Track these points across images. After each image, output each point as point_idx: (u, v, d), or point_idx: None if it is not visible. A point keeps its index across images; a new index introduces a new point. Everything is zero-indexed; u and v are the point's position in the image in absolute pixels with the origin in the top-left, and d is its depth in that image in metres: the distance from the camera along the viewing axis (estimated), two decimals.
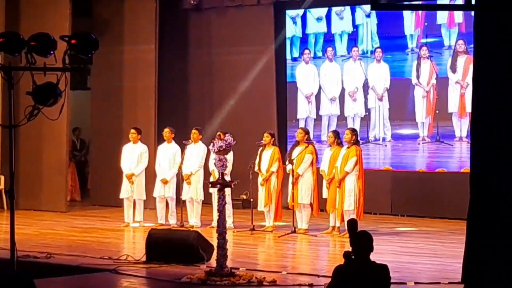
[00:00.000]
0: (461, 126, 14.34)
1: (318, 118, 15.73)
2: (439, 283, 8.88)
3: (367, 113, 15.25)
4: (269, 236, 12.41)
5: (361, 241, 6.20)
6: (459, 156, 14.48)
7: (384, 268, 6.18)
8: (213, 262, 9.45)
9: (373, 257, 6.09)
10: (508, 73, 5.54)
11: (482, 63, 5.72)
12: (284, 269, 9.69)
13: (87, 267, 9.78)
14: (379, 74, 15.08)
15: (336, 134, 12.57)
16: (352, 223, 6.65)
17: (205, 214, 13.41)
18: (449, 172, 14.35)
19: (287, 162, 12.68)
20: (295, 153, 12.58)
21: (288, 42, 15.97)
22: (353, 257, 6.16)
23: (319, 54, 15.73)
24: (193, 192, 13.12)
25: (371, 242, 6.20)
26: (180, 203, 13.27)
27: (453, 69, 14.38)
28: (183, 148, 13.20)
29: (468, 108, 13.96)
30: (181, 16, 16.57)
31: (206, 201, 13.39)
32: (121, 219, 13.65)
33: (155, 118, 15.66)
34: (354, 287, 6.05)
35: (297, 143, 12.74)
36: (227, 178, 11.31)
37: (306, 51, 15.75)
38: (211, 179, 12.14)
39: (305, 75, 15.83)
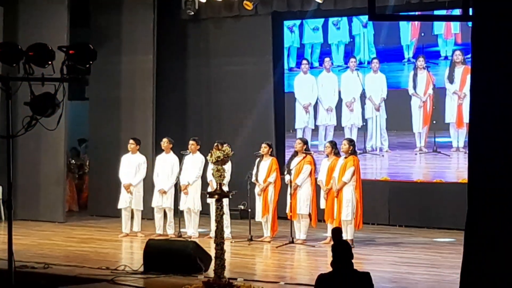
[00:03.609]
0: (458, 137, 14.36)
1: (316, 128, 15.76)
2: None
3: (364, 124, 15.27)
4: (267, 246, 12.40)
5: (342, 250, 6.22)
6: (456, 166, 14.50)
7: (366, 276, 6.20)
8: (210, 272, 9.44)
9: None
10: (506, 84, 5.55)
11: (480, 74, 5.73)
12: (282, 279, 9.68)
13: (85, 277, 9.78)
14: (376, 84, 15.11)
15: (333, 144, 12.58)
16: (337, 232, 6.70)
17: (203, 224, 13.41)
18: (447, 182, 14.35)
19: (285, 173, 12.69)
20: (294, 163, 12.59)
21: (285, 52, 16.01)
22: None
23: (316, 64, 15.76)
24: (190, 202, 13.12)
25: (350, 250, 6.24)
26: (178, 213, 13.28)
27: (451, 79, 14.41)
28: (181, 158, 13.21)
29: (466, 119, 13.99)
30: (179, 26, 16.59)
31: (204, 212, 13.38)
32: (119, 229, 13.65)
33: (153, 129, 15.66)
34: None
35: (295, 154, 12.74)
36: (225, 188, 11.32)
37: (304, 61, 15.78)
38: (209, 190, 12.15)
39: (303, 85, 15.86)
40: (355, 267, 6.28)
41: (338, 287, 6.10)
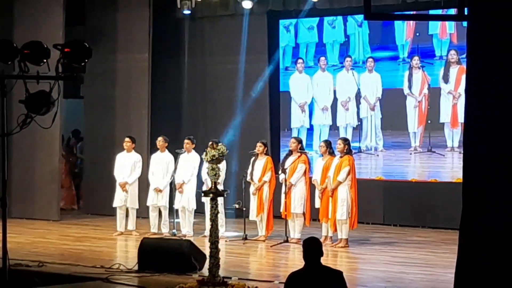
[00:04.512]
0: (453, 137, 14.38)
1: (311, 128, 15.76)
2: None
3: (359, 123, 15.28)
4: (262, 245, 12.41)
5: (311, 247, 6.21)
6: (451, 166, 14.52)
7: (338, 274, 6.20)
8: (205, 271, 9.45)
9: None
10: (501, 84, 5.56)
11: (475, 74, 5.73)
12: (276, 278, 9.68)
13: (79, 275, 9.77)
14: (371, 84, 15.12)
15: (328, 143, 12.59)
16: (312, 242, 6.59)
17: (198, 223, 13.41)
18: (441, 182, 14.37)
19: (280, 172, 12.70)
20: (288, 162, 12.59)
21: (281, 51, 16.01)
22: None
23: (311, 63, 15.77)
24: (185, 201, 13.12)
25: (320, 247, 6.22)
26: (173, 212, 13.27)
27: (446, 79, 14.43)
28: (176, 157, 13.20)
29: (460, 119, 14.01)
30: (175, 24, 16.57)
31: (199, 210, 13.38)
32: (114, 228, 13.64)
33: (148, 127, 15.64)
34: None
35: (290, 153, 12.75)
36: (220, 187, 11.32)
37: (300, 61, 15.79)
38: (204, 188, 12.15)
39: (298, 85, 15.87)
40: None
41: (310, 285, 6.09)
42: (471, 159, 5.76)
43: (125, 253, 12.21)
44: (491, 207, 5.59)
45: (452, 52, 14.33)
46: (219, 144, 9.74)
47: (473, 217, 5.68)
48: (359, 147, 15.17)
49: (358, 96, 15.26)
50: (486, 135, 5.62)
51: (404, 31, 14.82)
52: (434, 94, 14.58)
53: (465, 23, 5.94)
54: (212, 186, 9.40)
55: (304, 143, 13.46)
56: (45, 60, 7.20)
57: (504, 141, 5.54)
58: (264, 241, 12.60)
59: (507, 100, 5.52)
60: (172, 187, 13.26)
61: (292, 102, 15.94)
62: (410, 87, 14.77)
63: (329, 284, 6.08)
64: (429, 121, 14.64)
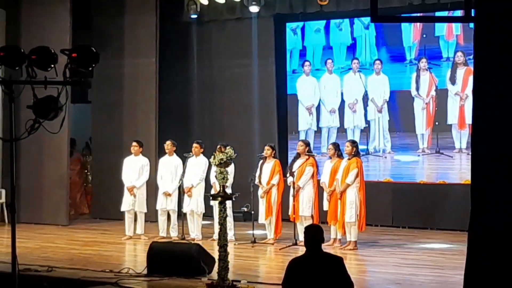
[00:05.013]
0: (461, 138, 14.36)
1: (319, 130, 15.76)
2: None
3: (366, 125, 15.27)
4: (270, 248, 12.41)
5: (313, 234, 6.28)
6: (459, 167, 14.49)
7: (339, 259, 6.27)
8: (214, 274, 9.45)
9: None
10: (509, 84, 5.55)
11: (483, 74, 5.73)
12: None
13: (88, 280, 9.78)
14: (379, 86, 15.11)
15: (336, 146, 12.59)
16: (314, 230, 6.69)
17: (206, 226, 13.41)
18: (450, 184, 14.35)
19: (288, 175, 12.69)
20: (296, 165, 12.59)
21: (288, 54, 16.02)
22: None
23: (318, 66, 15.77)
24: (194, 205, 13.12)
25: (321, 234, 6.30)
26: (182, 216, 13.28)
27: (453, 80, 14.42)
28: (184, 160, 13.21)
29: (468, 120, 14.00)
30: (182, 29, 16.60)
31: (207, 214, 13.39)
32: (122, 232, 13.65)
33: (155, 131, 15.67)
34: (309, 279, 6.12)
35: (298, 156, 12.75)
36: (228, 190, 11.32)
37: (307, 63, 15.80)
38: (212, 192, 12.15)
39: (306, 87, 15.87)
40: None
41: (311, 270, 6.14)
42: (479, 159, 5.75)
43: (134, 257, 12.21)
44: (500, 207, 5.57)
45: (459, 53, 14.32)
46: (227, 147, 9.74)
47: (482, 218, 5.67)
48: (367, 149, 15.16)
49: (365, 98, 15.26)
50: (494, 135, 5.61)
51: (411, 33, 14.81)
52: (441, 96, 14.57)
53: (471, 25, 5.93)
54: (220, 189, 9.40)
55: (311, 145, 13.44)
56: (52, 65, 7.21)
57: None
58: (273, 244, 12.60)
59: None
60: (181, 191, 13.27)
61: (299, 104, 15.94)
62: (417, 88, 14.76)
63: (330, 269, 6.16)
64: (436, 123, 14.63)
